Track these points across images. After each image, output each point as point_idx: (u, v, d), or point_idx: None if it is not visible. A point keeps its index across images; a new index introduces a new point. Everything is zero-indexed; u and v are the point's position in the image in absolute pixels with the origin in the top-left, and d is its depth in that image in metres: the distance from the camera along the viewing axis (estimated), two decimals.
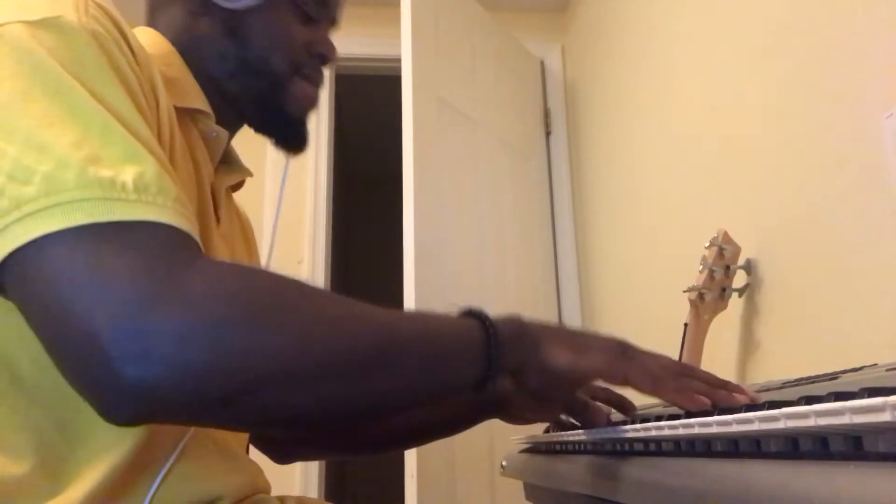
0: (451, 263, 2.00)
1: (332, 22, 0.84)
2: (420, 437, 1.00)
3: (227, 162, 0.79)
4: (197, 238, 0.51)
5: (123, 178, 0.48)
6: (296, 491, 2.21)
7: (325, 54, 0.80)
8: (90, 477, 0.54)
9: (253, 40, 0.74)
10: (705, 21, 1.66)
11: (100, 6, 0.57)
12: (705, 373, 0.63)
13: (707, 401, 0.58)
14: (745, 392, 0.59)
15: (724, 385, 0.60)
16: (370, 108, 3.66)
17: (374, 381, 0.52)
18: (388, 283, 2.97)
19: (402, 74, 2.00)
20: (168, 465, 0.58)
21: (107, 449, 0.55)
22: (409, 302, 1.81)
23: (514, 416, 0.89)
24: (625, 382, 0.61)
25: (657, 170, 1.91)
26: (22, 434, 0.53)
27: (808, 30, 1.24)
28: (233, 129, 0.78)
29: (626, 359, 0.61)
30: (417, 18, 2.08)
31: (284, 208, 2.57)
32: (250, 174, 0.83)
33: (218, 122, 0.73)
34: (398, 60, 2.04)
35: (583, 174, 2.53)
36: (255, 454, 0.83)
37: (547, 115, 2.69)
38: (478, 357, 0.58)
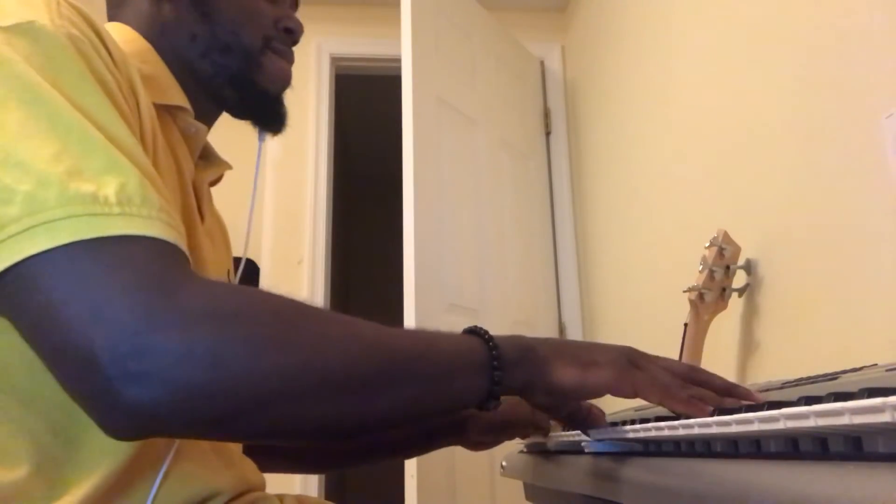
0: (450, 263, 2.00)
1: (294, 2, 0.84)
2: (366, 457, 1.00)
3: (205, 157, 0.79)
4: (185, 249, 0.50)
5: (105, 192, 0.47)
6: (296, 490, 2.21)
7: (293, 28, 0.80)
8: (87, 482, 0.54)
9: (221, 16, 0.74)
10: (705, 21, 1.66)
11: (73, 7, 0.56)
12: (714, 376, 0.62)
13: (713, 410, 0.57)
14: (753, 397, 0.58)
15: (733, 390, 0.60)
16: (370, 108, 3.66)
17: (373, 401, 0.52)
18: (388, 283, 2.97)
19: (402, 74, 2.00)
20: (164, 466, 0.58)
21: (103, 454, 0.54)
22: (409, 302, 1.81)
23: (473, 442, 0.91)
24: (634, 395, 0.60)
25: (657, 170, 1.91)
26: (18, 440, 0.53)
27: (808, 30, 1.24)
28: (210, 123, 0.78)
29: (633, 371, 0.60)
30: (417, 18, 2.08)
31: (284, 208, 2.58)
32: (229, 167, 0.82)
33: (196, 117, 0.73)
34: (398, 60, 2.04)
35: (583, 174, 2.53)
36: None
37: (547, 115, 2.69)
38: (480, 377, 0.58)
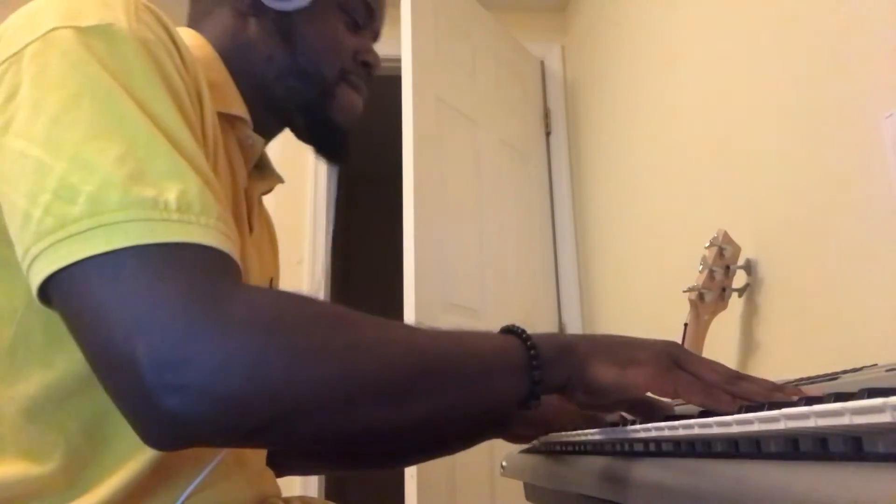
0: (451, 263, 2.00)
1: (375, 35, 0.83)
2: (412, 456, 0.99)
3: (260, 168, 0.79)
4: (237, 258, 0.51)
5: (167, 197, 0.48)
6: (296, 491, 2.21)
7: (371, 63, 0.80)
8: (108, 485, 0.54)
9: (304, 43, 0.74)
10: (705, 21, 1.66)
11: (150, 10, 0.57)
12: (759, 379, 0.60)
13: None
14: (801, 394, 0.55)
15: (780, 390, 0.58)
16: (370, 108, 3.65)
17: (412, 407, 0.52)
18: (388, 283, 2.96)
19: (402, 74, 2.00)
20: (198, 479, 0.58)
21: (131, 456, 0.55)
22: (409, 301, 1.81)
23: (517, 435, 0.89)
24: (675, 395, 0.58)
25: (657, 169, 1.91)
26: (49, 437, 0.53)
27: (808, 30, 1.24)
28: (268, 137, 0.78)
29: (675, 370, 0.59)
30: (417, 18, 2.08)
31: (284, 208, 2.57)
32: (281, 181, 0.83)
33: (254, 130, 0.73)
34: (398, 60, 2.04)
35: (583, 174, 2.53)
36: None
37: (547, 115, 2.69)
38: (520, 377, 0.57)
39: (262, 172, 0.79)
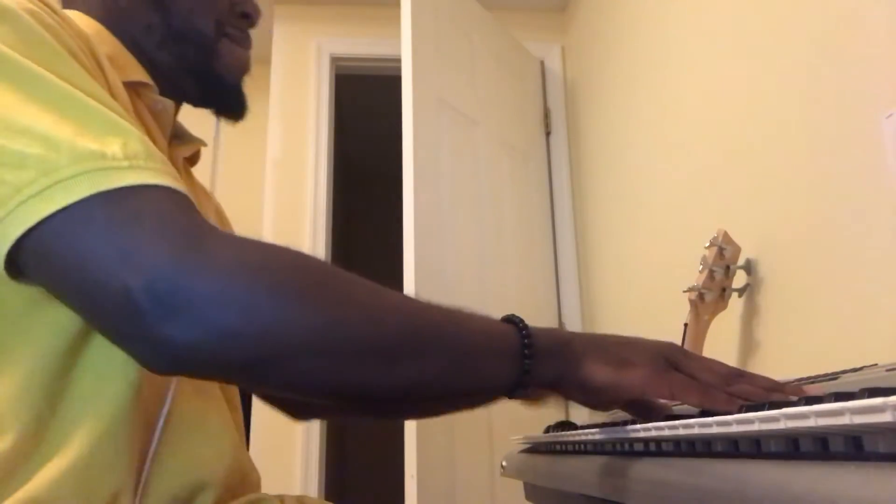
0: (450, 263, 2.00)
1: None
2: (402, 413, 0.98)
3: (177, 136, 0.78)
4: (191, 198, 0.52)
5: (112, 149, 0.49)
6: (296, 490, 2.21)
7: (249, 13, 0.78)
8: (66, 456, 0.53)
9: (174, 4, 0.73)
10: (705, 21, 1.66)
11: None
12: (758, 376, 0.59)
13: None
14: (802, 393, 0.55)
15: (780, 388, 0.57)
16: (370, 108, 3.66)
17: (397, 367, 0.52)
18: (388, 283, 2.96)
19: (402, 74, 2.00)
20: (151, 451, 0.58)
21: (86, 424, 0.54)
22: None
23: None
24: (671, 397, 0.58)
25: (657, 169, 1.91)
26: (10, 414, 0.53)
27: (808, 30, 1.24)
28: (177, 101, 0.77)
29: (670, 371, 0.58)
30: (417, 18, 2.08)
31: (284, 208, 2.58)
32: (203, 143, 0.81)
33: (161, 94, 0.72)
34: (398, 60, 2.04)
35: (583, 174, 2.53)
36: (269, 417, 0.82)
37: (547, 115, 2.69)
38: (509, 364, 0.57)
39: (180, 140, 0.79)
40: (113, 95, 0.59)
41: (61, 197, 0.46)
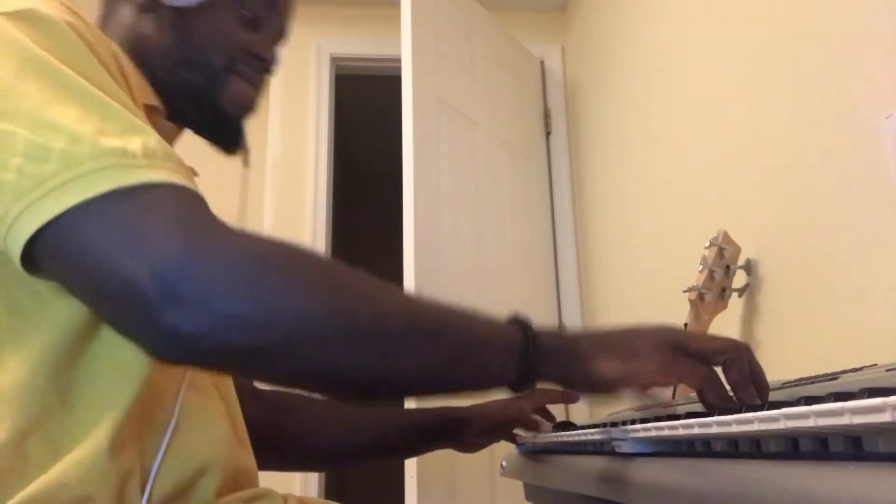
0: (451, 263, 2.00)
1: (280, 33, 0.84)
2: (362, 456, 1.00)
3: None
4: (205, 199, 0.54)
5: (132, 147, 0.51)
6: (296, 491, 2.21)
7: (263, 56, 0.80)
8: (83, 446, 0.55)
9: (192, 34, 0.76)
10: (705, 21, 1.66)
11: (64, 4, 0.60)
12: (755, 364, 0.62)
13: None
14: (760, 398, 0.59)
15: (759, 382, 0.61)
16: (370, 108, 3.66)
17: (398, 358, 0.53)
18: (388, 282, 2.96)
19: (402, 74, 2.00)
20: (169, 432, 0.60)
21: (100, 414, 0.56)
22: None
23: (468, 444, 0.92)
24: (679, 382, 0.61)
25: (657, 170, 1.91)
26: (30, 409, 0.54)
27: (808, 30, 1.24)
28: (179, 127, 0.80)
29: (678, 358, 0.60)
30: (417, 18, 2.08)
31: (284, 208, 2.58)
32: (196, 174, 0.84)
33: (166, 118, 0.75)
34: (398, 60, 2.04)
35: (583, 174, 2.53)
36: None
37: (547, 115, 2.69)
38: (512, 361, 0.58)
39: None
40: (136, 104, 0.62)
41: (81, 191, 0.48)
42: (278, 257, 0.51)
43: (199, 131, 0.81)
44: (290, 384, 0.83)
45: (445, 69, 2.19)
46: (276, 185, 2.56)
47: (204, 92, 0.77)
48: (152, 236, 0.47)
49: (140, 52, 0.74)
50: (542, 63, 2.76)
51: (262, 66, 0.81)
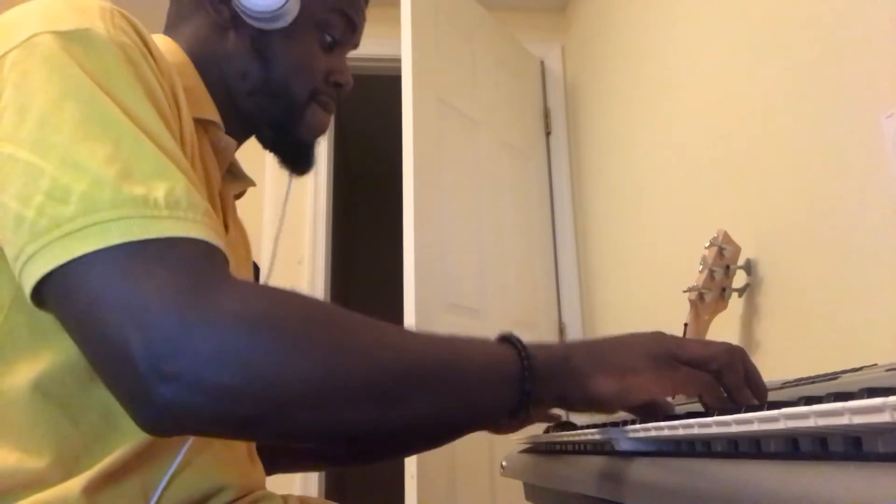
0: (450, 263, 2.00)
1: (354, 46, 0.85)
2: (403, 447, 1.00)
3: (232, 172, 0.80)
4: (225, 251, 0.52)
5: (155, 195, 0.49)
6: (296, 491, 2.21)
7: (343, 84, 0.81)
8: (98, 467, 0.55)
9: (277, 63, 0.75)
10: (705, 20, 1.66)
11: (124, 17, 0.58)
12: (750, 367, 0.61)
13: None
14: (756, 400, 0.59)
15: (755, 385, 0.60)
16: (370, 108, 3.66)
17: (399, 411, 0.52)
18: (388, 283, 2.96)
19: (402, 74, 2.00)
20: (179, 457, 0.60)
21: (119, 443, 0.56)
22: (409, 301, 1.81)
23: (504, 425, 0.90)
24: (675, 394, 0.60)
25: (657, 169, 1.91)
26: (39, 428, 0.54)
27: (808, 29, 1.24)
28: (240, 141, 0.79)
29: (672, 368, 0.60)
30: (417, 18, 2.08)
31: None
32: (253, 184, 0.84)
33: (226, 133, 0.74)
34: (398, 60, 2.04)
35: (583, 174, 2.53)
36: None
37: (547, 115, 2.69)
38: (510, 389, 0.57)
39: (234, 176, 0.81)
40: (182, 129, 0.61)
41: (95, 240, 0.47)
42: (273, 318, 0.49)
43: (270, 149, 0.81)
44: (290, 443, 0.83)
45: (446, 69, 2.19)
46: (276, 184, 2.56)
47: (282, 120, 0.77)
48: (150, 302, 0.46)
49: (212, 68, 0.73)
50: (542, 63, 2.76)
51: (340, 91, 0.81)
